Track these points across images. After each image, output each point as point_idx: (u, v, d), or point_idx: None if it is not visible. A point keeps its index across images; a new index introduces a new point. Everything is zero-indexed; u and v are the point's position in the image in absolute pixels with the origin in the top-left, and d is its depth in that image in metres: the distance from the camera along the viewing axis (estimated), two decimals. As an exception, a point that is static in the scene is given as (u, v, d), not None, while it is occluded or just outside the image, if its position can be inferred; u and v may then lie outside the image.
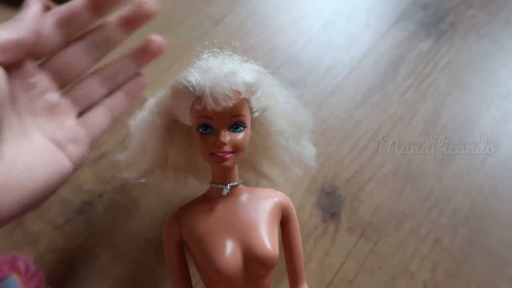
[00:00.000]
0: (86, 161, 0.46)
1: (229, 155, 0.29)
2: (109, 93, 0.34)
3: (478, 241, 0.40)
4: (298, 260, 0.32)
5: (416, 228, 0.41)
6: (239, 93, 0.28)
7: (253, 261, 0.29)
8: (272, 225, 0.30)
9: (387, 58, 0.55)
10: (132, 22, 0.33)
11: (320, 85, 0.52)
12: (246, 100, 0.29)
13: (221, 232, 0.29)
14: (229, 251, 0.28)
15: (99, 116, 0.33)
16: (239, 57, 0.30)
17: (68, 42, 0.31)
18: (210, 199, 0.31)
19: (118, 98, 0.34)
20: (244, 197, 0.31)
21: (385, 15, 0.60)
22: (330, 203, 0.43)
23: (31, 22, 0.29)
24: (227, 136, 0.28)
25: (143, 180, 0.35)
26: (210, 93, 0.27)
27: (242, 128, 0.29)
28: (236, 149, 0.29)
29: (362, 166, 0.45)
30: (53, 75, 0.31)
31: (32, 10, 0.29)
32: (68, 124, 0.31)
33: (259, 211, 0.30)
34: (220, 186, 0.31)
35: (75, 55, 0.31)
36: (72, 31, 0.31)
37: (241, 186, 0.31)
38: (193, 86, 0.28)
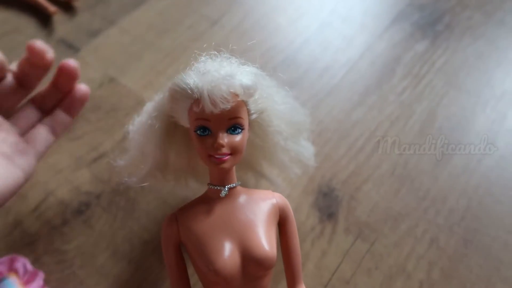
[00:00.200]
0: (84, 162, 0.47)
1: (227, 157, 0.29)
2: (48, 113, 0.41)
3: (474, 241, 0.40)
4: (295, 261, 0.32)
5: (413, 228, 0.41)
6: (237, 95, 0.28)
7: (251, 262, 0.29)
8: (269, 226, 0.31)
9: (384, 58, 0.55)
10: (33, 66, 0.38)
11: (317, 85, 0.53)
12: (244, 103, 0.30)
13: (219, 233, 0.29)
14: (227, 252, 0.29)
15: (40, 133, 0.39)
16: (236, 59, 0.30)
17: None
18: (208, 201, 0.31)
19: (59, 116, 0.41)
20: (242, 198, 0.31)
21: (381, 16, 0.60)
22: (327, 203, 0.43)
23: None
24: (225, 138, 0.29)
25: (144, 184, 0.35)
26: (208, 95, 0.27)
27: (240, 130, 0.29)
28: (234, 151, 0.29)
29: (359, 167, 0.46)
30: None
31: None
32: (12, 139, 0.37)
33: (257, 212, 0.31)
34: (218, 188, 0.31)
35: (4, 93, 0.38)
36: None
37: (239, 188, 0.32)
38: (191, 89, 0.28)
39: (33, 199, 0.44)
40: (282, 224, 0.32)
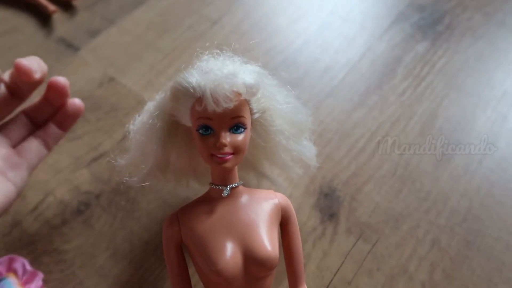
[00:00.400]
0: (84, 162, 0.46)
1: (229, 157, 0.29)
2: (40, 125, 0.40)
3: (476, 242, 0.40)
4: (297, 262, 0.32)
5: (414, 229, 0.41)
6: (239, 94, 0.28)
7: (253, 263, 0.29)
8: (272, 227, 0.30)
9: (384, 59, 0.55)
10: (22, 82, 0.36)
11: (317, 86, 0.53)
12: (247, 102, 0.29)
13: (221, 233, 0.29)
14: (229, 253, 0.28)
15: (33, 146, 0.38)
16: (239, 58, 0.30)
17: None
18: (210, 201, 0.31)
19: (51, 129, 0.40)
20: (244, 198, 0.31)
21: (381, 17, 0.60)
22: (328, 204, 0.43)
23: None
24: (227, 138, 0.28)
25: (145, 184, 0.34)
26: (211, 94, 0.27)
27: (242, 130, 0.29)
28: (237, 150, 0.29)
29: (360, 167, 0.45)
30: None
31: None
32: (4, 152, 0.36)
33: (259, 212, 0.30)
34: (220, 188, 0.31)
35: None
36: None
37: (241, 188, 0.31)
38: (193, 87, 0.28)
39: (32, 199, 0.44)
40: (284, 224, 0.32)
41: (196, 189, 0.39)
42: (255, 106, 0.30)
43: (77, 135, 0.49)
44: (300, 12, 0.62)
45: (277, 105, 0.32)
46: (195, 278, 0.34)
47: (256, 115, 0.31)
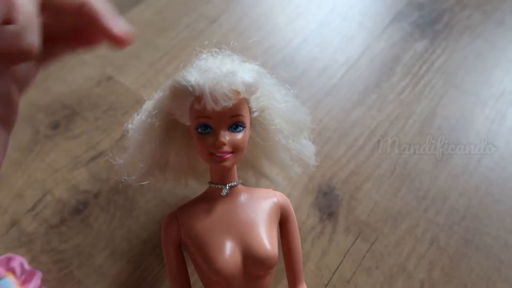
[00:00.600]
0: (82, 161, 0.46)
1: (228, 155, 0.29)
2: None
3: (474, 241, 0.40)
4: (296, 260, 0.32)
5: (413, 227, 0.41)
6: (238, 93, 0.28)
7: (253, 261, 0.28)
8: (271, 225, 0.30)
9: (383, 58, 0.55)
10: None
11: (316, 85, 0.53)
12: (246, 100, 0.29)
13: (220, 232, 0.29)
14: (228, 251, 0.28)
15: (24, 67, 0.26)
16: (238, 57, 0.30)
17: None
18: (209, 199, 0.31)
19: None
20: (243, 197, 0.31)
21: (380, 16, 0.60)
22: (327, 203, 0.43)
23: None
24: (226, 136, 0.28)
25: (143, 183, 0.34)
26: (210, 93, 0.27)
27: (241, 128, 0.29)
28: (236, 149, 0.29)
29: (359, 166, 0.45)
30: None
31: None
32: None
33: (258, 211, 0.30)
34: (219, 187, 0.30)
35: None
36: None
37: (240, 186, 0.31)
38: (192, 86, 0.28)
39: (30, 198, 0.44)
40: (283, 223, 0.32)
41: (195, 188, 0.39)
42: (254, 104, 0.30)
43: (75, 134, 0.49)
44: (299, 10, 0.61)
45: (276, 104, 0.32)
46: (194, 277, 0.34)
47: (255, 114, 0.31)
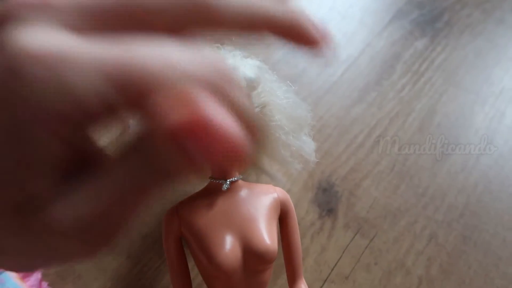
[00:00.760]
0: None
1: None
2: None
3: (473, 237, 0.40)
4: (296, 255, 0.32)
5: (412, 224, 0.41)
6: None
7: (253, 256, 0.29)
8: (271, 221, 0.30)
9: (383, 56, 0.55)
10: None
11: (317, 82, 0.53)
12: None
13: (221, 227, 0.29)
14: (229, 246, 0.29)
15: None
16: (239, 52, 0.30)
17: None
18: (209, 194, 0.31)
19: None
20: (243, 192, 0.31)
21: (380, 13, 0.60)
22: (326, 199, 0.43)
23: None
24: None
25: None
26: None
27: None
28: None
29: (359, 163, 0.46)
30: None
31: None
32: None
33: (258, 206, 0.31)
34: (220, 182, 0.31)
35: None
36: None
37: (240, 182, 0.32)
38: None
39: (31, 193, 0.44)
40: (283, 218, 0.32)
41: (195, 183, 0.39)
42: (255, 100, 0.30)
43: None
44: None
45: (277, 100, 0.32)
46: (194, 272, 0.34)
47: (256, 110, 0.31)
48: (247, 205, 0.30)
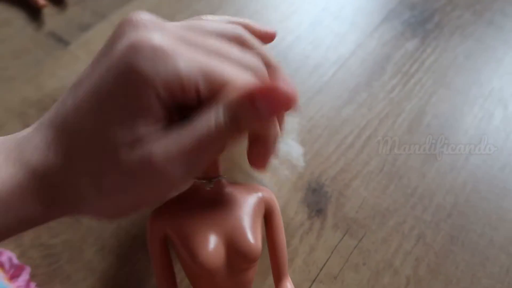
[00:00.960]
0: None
1: None
2: None
3: (460, 237, 0.41)
4: (281, 254, 0.32)
5: (400, 224, 0.42)
6: None
7: (236, 255, 0.29)
8: (255, 219, 0.31)
9: (374, 57, 0.55)
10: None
11: (308, 82, 0.53)
12: None
13: (205, 226, 0.29)
14: (212, 245, 0.29)
15: None
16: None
17: None
18: (193, 194, 0.31)
19: None
20: (227, 191, 0.31)
21: (372, 14, 0.61)
22: (316, 199, 0.43)
23: None
24: None
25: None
26: None
27: None
28: None
29: (348, 163, 0.46)
30: None
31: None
32: None
33: (242, 205, 0.31)
34: (203, 181, 0.31)
35: None
36: None
37: (224, 181, 0.32)
38: None
39: (20, 193, 0.44)
40: (268, 217, 0.32)
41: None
42: None
43: (66, 130, 0.49)
44: (292, 8, 0.62)
45: None
46: (182, 274, 0.34)
47: None
48: (231, 204, 0.30)
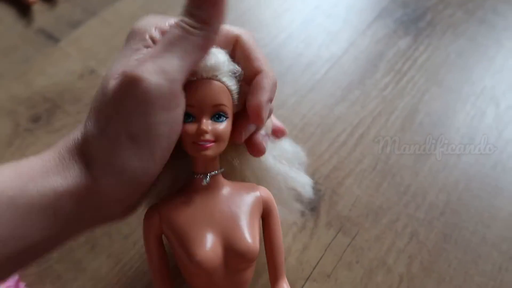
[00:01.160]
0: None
1: (210, 144, 0.28)
2: None
3: (453, 235, 0.41)
4: (278, 254, 0.32)
5: (393, 222, 0.42)
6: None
7: (234, 255, 0.28)
8: (253, 219, 0.30)
9: (367, 55, 0.55)
10: None
11: (300, 80, 0.53)
12: (229, 92, 0.29)
13: (202, 224, 0.29)
14: (209, 244, 0.28)
15: None
16: (226, 50, 0.30)
17: None
18: (190, 191, 0.31)
19: None
20: (225, 190, 0.31)
21: (365, 13, 0.60)
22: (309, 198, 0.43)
23: None
24: (209, 125, 0.28)
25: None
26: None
27: (224, 118, 0.29)
28: (218, 138, 0.29)
29: (341, 161, 0.46)
30: None
31: None
32: None
33: (240, 204, 0.30)
34: (200, 176, 0.30)
35: None
36: None
37: (222, 180, 0.31)
38: None
39: (9, 192, 0.43)
40: (265, 217, 0.32)
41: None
42: (237, 97, 0.30)
43: (56, 128, 0.48)
44: (284, 6, 0.61)
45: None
46: (177, 271, 0.33)
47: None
48: (229, 202, 0.30)
